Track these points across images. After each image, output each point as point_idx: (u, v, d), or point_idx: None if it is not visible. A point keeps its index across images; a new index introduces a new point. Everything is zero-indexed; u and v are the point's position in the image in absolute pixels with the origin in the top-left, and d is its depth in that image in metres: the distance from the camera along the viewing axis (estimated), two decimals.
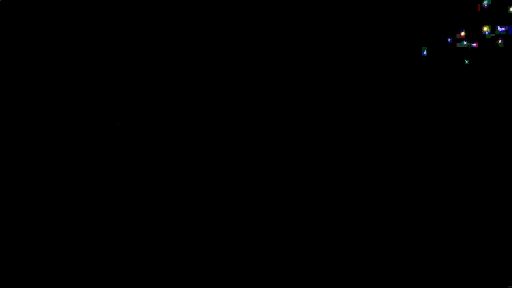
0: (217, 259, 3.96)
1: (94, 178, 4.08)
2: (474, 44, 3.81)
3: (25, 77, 4.15)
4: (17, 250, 4.00)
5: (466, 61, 3.81)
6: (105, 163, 4.09)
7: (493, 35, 3.77)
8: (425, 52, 3.87)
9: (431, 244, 3.86)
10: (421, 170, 3.91)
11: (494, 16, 3.79)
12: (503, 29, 3.76)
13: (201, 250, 3.98)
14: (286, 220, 3.98)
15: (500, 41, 3.77)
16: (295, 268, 3.92)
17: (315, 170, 3.99)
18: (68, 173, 4.10)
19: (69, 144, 4.12)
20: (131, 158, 4.09)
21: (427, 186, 3.90)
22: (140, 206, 4.05)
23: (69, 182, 4.09)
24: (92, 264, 3.99)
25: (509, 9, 3.77)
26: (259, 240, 3.96)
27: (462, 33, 3.82)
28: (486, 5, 3.78)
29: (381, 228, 3.90)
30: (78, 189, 4.08)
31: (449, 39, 3.86)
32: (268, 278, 3.92)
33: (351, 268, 3.88)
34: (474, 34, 3.83)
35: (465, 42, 3.82)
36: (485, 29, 3.79)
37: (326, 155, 3.99)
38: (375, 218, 3.91)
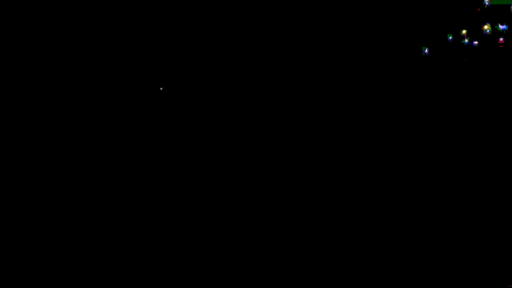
0: (217, 259, 3.96)
1: (94, 178, 4.07)
2: (475, 42, 3.81)
3: (25, 77, 4.12)
4: (17, 250, 3.99)
5: (467, 59, 3.81)
6: (105, 162, 4.08)
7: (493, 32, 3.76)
8: (426, 51, 3.86)
9: (431, 244, 3.87)
10: (422, 169, 3.91)
11: (495, 14, 3.79)
12: (504, 27, 3.76)
13: (201, 251, 3.98)
14: (286, 220, 3.98)
15: (501, 39, 3.77)
16: (295, 268, 3.93)
17: (315, 170, 3.99)
18: (67, 173, 4.08)
19: (68, 144, 4.10)
20: (131, 157, 4.08)
21: (428, 186, 3.90)
22: (140, 206, 4.05)
23: (69, 182, 4.07)
24: (92, 265, 3.99)
25: (511, 8, 3.77)
26: (259, 240, 3.97)
27: (463, 31, 3.82)
28: (487, 3, 3.78)
29: (381, 228, 3.91)
30: (78, 188, 4.06)
31: (449, 38, 3.85)
32: (268, 279, 3.93)
33: (351, 268, 3.89)
34: (475, 32, 3.82)
35: (466, 40, 3.81)
36: (486, 27, 3.78)
37: (326, 155, 3.98)
38: (375, 218, 3.92)
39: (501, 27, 3.76)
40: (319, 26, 3.97)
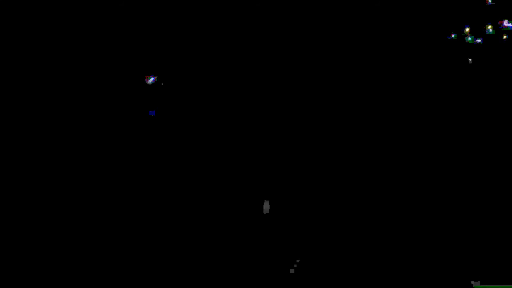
0: (217, 259, 3.95)
1: (95, 179, 4.06)
2: (478, 40, 3.82)
3: (25, 77, 4.13)
4: (17, 250, 3.98)
5: (470, 58, 3.81)
6: (107, 162, 4.08)
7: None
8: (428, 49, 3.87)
9: (431, 244, 3.86)
10: (424, 167, 3.90)
11: (498, 12, 3.80)
12: (510, 24, 3.76)
13: (201, 251, 3.97)
14: (285, 219, 3.97)
15: (504, 37, 3.77)
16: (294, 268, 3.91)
17: (315, 170, 3.99)
18: (67, 173, 4.08)
19: (67, 144, 4.10)
20: (130, 156, 4.07)
21: (429, 184, 3.89)
22: (139, 206, 4.04)
23: (69, 182, 4.07)
24: (92, 265, 3.98)
25: None
26: (258, 240, 3.96)
27: (467, 30, 3.82)
28: (490, 2, 3.79)
29: (381, 227, 3.90)
30: (77, 188, 4.06)
31: (452, 35, 3.86)
32: (267, 278, 3.92)
33: (350, 268, 3.87)
34: (479, 30, 3.83)
35: (469, 38, 3.82)
36: (489, 27, 3.79)
37: (328, 155, 3.98)
38: (374, 217, 3.91)
39: (504, 24, 3.76)
40: (319, 26, 3.98)
